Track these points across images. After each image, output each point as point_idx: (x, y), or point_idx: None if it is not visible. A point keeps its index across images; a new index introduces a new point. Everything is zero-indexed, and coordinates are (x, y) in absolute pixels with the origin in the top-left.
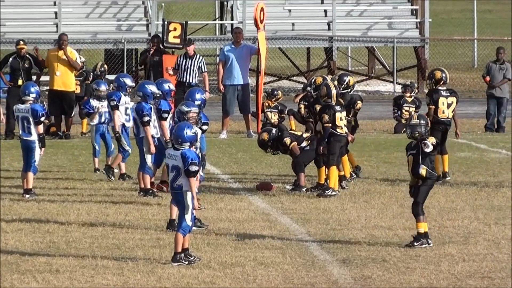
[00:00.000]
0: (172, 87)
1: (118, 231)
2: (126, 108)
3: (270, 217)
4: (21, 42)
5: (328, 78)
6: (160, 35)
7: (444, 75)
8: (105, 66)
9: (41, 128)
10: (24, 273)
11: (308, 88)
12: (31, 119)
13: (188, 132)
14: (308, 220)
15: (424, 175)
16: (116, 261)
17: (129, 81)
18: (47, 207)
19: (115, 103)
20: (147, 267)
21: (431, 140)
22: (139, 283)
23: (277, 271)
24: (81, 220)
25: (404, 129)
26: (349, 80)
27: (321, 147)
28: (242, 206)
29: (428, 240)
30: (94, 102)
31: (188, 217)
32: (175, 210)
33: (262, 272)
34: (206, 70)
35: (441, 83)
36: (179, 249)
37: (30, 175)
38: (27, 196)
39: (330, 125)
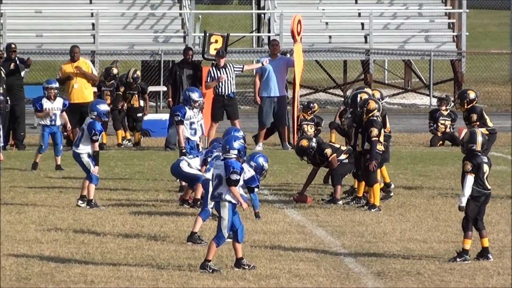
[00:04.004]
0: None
1: (153, 243)
2: (192, 123)
3: (305, 230)
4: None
5: (368, 91)
6: (197, 47)
7: (476, 95)
8: (138, 73)
9: (96, 146)
10: (58, 284)
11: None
12: (86, 133)
13: (236, 143)
14: (343, 232)
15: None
16: (151, 272)
17: (194, 96)
18: (83, 218)
19: (179, 118)
20: (182, 278)
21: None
22: None
23: (312, 284)
24: (116, 231)
25: (440, 142)
26: (374, 94)
27: (373, 163)
28: (277, 218)
29: (488, 255)
30: (45, 102)
31: (224, 228)
32: (199, 224)
33: (297, 284)
34: (242, 65)
35: (474, 103)
36: (210, 257)
37: (91, 186)
38: (87, 206)
39: (377, 139)
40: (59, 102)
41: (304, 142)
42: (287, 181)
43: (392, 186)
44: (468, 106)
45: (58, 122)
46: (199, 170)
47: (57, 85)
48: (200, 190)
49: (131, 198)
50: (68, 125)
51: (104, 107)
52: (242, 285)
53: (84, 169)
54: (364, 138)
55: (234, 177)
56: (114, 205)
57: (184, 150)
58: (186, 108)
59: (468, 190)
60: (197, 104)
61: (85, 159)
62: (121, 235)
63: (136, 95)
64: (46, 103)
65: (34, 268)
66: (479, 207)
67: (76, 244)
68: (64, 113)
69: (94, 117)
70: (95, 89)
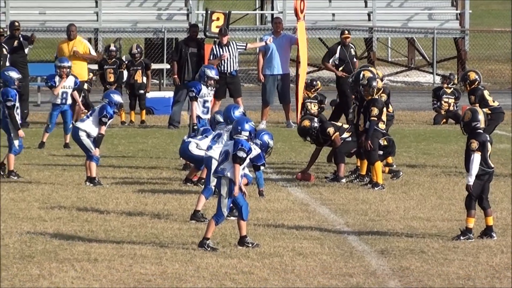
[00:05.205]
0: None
1: (157, 221)
2: (205, 101)
3: (308, 208)
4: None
5: (373, 69)
6: (199, 25)
7: (478, 76)
8: (141, 47)
9: (103, 128)
10: (62, 262)
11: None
12: (96, 114)
13: (248, 124)
14: (347, 211)
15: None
16: (155, 250)
17: (210, 73)
18: (86, 196)
19: (193, 94)
20: (186, 256)
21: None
22: (178, 272)
23: (315, 262)
24: (120, 209)
25: (444, 120)
26: (378, 73)
27: (368, 142)
28: (280, 197)
29: (492, 233)
30: (58, 81)
31: (223, 205)
32: (202, 202)
33: (300, 262)
34: (245, 43)
35: (476, 84)
36: (209, 235)
37: (92, 164)
38: (90, 184)
39: (377, 119)
40: (70, 80)
41: (306, 123)
42: (291, 159)
43: (394, 166)
44: (471, 88)
45: (69, 101)
46: None
47: (69, 64)
48: (206, 170)
49: (135, 176)
50: (79, 103)
51: (117, 98)
52: (245, 263)
53: (84, 149)
54: (366, 117)
55: (241, 154)
56: (118, 183)
57: (195, 127)
58: (202, 85)
59: (475, 169)
60: (211, 81)
61: (85, 139)
62: (124, 213)
63: (140, 71)
64: (59, 82)
65: (38, 246)
66: (482, 185)
67: (79, 222)
68: (75, 92)
69: (105, 102)
70: (96, 66)
